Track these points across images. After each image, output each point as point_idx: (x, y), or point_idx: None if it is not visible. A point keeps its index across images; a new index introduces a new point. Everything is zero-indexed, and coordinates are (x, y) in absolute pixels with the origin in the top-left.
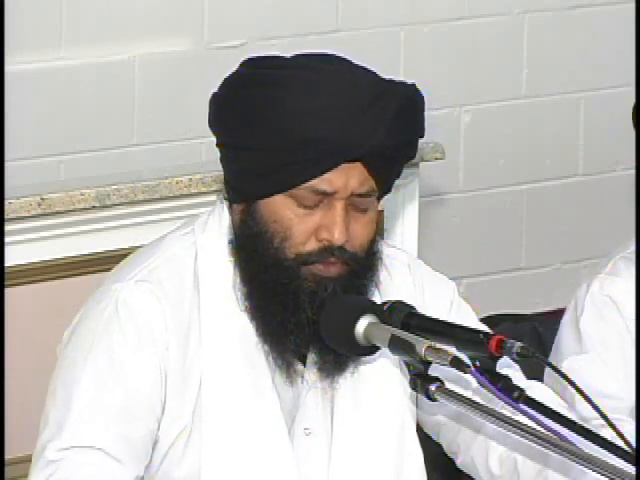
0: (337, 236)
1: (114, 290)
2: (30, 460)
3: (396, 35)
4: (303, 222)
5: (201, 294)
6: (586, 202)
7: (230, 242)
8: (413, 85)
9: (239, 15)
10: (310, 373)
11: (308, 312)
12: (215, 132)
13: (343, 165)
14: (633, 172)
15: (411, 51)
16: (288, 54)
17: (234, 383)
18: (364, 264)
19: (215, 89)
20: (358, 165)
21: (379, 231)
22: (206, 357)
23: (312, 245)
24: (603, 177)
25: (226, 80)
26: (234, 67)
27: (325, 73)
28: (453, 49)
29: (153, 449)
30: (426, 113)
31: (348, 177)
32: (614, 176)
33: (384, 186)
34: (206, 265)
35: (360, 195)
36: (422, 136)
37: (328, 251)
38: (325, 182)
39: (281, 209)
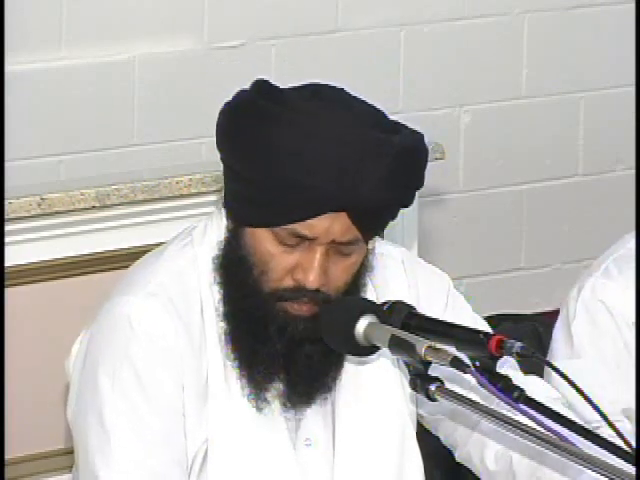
0: (312, 279)
1: (124, 304)
2: (30, 460)
3: (396, 35)
4: (282, 259)
5: (205, 314)
6: (586, 202)
7: (215, 258)
8: (418, 135)
9: (239, 15)
10: (275, 403)
11: (277, 345)
12: (218, 148)
13: (327, 212)
14: (633, 172)
15: (411, 51)
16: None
17: (238, 400)
18: None
19: (215, 89)
20: (342, 214)
21: (366, 265)
22: (212, 375)
23: (288, 282)
24: (603, 177)
25: (238, 96)
26: (234, 67)
27: (324, 121)
28: (453, 49)
29: None
30: (426, 113)
31: (331, 225)
32: (614, 176)
33: (370, 234)
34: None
35: (342, 243)
36: (420, 187)
37: (301, 291)
38: (306, 227)
39: (262, 242)
